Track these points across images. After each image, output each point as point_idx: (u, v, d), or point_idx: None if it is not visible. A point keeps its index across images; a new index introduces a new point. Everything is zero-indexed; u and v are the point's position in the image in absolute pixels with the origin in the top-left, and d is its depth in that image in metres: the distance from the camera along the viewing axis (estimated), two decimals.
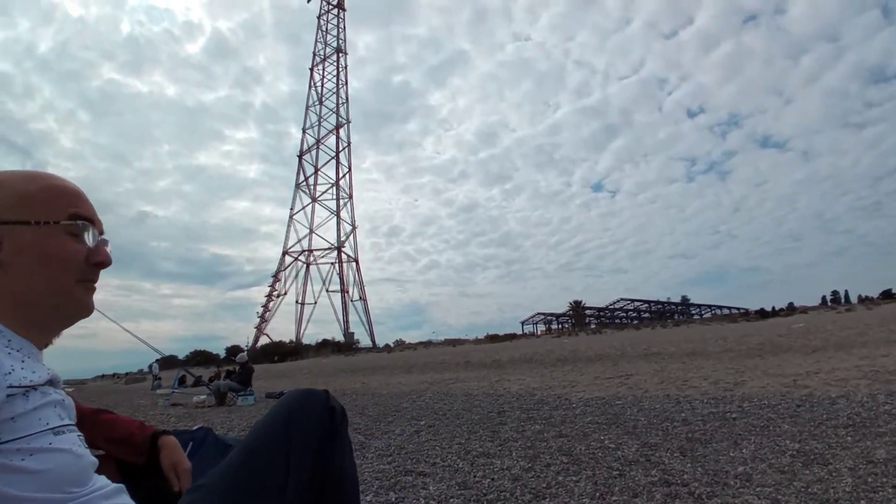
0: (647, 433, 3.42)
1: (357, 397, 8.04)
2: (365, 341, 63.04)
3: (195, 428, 1.09)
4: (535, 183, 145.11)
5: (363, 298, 66.13)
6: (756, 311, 38.34)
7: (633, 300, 77.17)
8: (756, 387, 5.27)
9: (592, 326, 55.47)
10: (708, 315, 65.76)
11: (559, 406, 5.13)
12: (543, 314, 74.51)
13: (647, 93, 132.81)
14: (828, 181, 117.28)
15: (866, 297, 54.09)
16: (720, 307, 75.55)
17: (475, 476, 2.69)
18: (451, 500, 2.33)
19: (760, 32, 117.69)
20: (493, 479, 2.59)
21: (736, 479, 2.26)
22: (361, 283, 66.83)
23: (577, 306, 66.76)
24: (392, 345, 54.64)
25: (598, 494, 2.21)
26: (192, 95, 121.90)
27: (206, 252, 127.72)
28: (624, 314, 76.23)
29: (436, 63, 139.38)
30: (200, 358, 54.09)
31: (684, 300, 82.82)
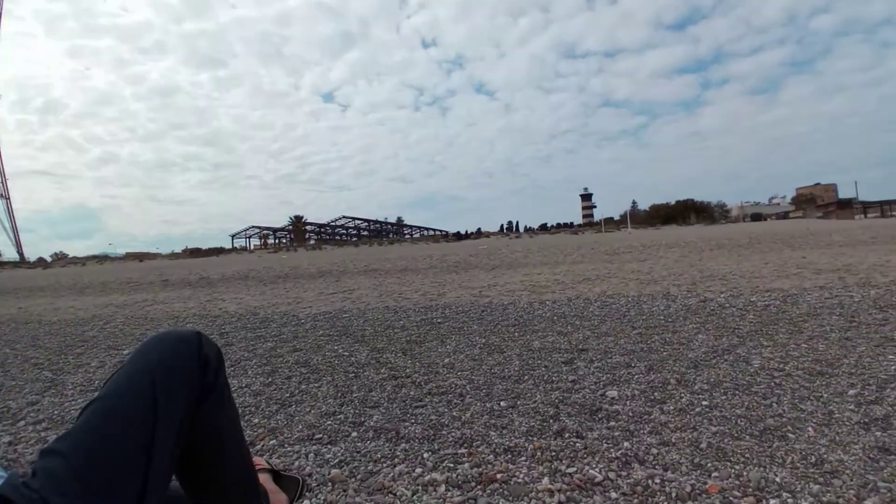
0: (374, 340, 4.04)
1: (18, 326, 6.41)
2: (8, 254, 48.67)
3: None
4: (258, 77, 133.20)
5: (5, 196, 49.94)
6: (454, 234, 46.53)
7: (354, 218, 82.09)
8: (454, 297, 6.68)
9: (312, 242, 56.77)
10: (418, 235, 75.99)
11: (288, 323, 5.37)
12: (259, 227, 71.82)
13: (389, 9, 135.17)
14: (520, 133, 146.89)
15: (530, 228, 72.71)
16: (428, 229, 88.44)
17: None
18: None
19: None
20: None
21: (444, 368, 3.01)
22: (3, 174, 49.88)
23: (297, 221, 66.72)
24: (49, 259, 43.78)
25: (339, 394, 2.60)
26: None
27: None
28: (344, 231, 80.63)
29: None
30: None
31: (399, 221, 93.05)
